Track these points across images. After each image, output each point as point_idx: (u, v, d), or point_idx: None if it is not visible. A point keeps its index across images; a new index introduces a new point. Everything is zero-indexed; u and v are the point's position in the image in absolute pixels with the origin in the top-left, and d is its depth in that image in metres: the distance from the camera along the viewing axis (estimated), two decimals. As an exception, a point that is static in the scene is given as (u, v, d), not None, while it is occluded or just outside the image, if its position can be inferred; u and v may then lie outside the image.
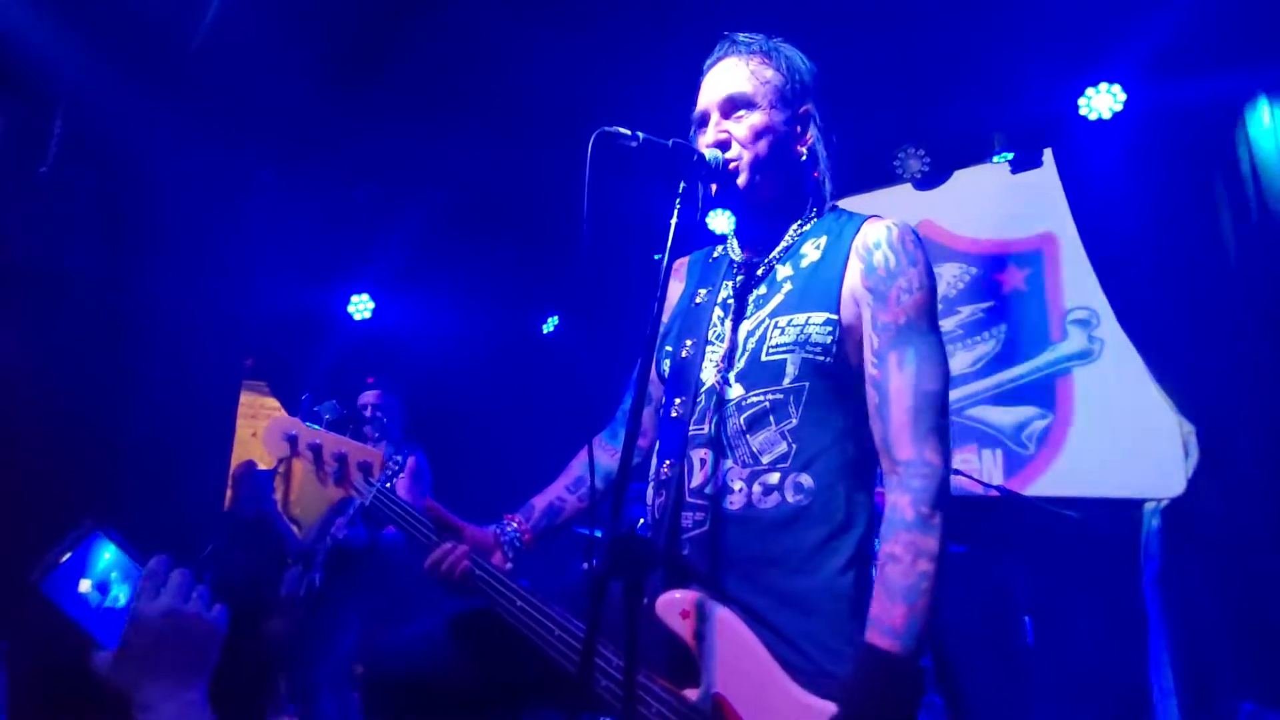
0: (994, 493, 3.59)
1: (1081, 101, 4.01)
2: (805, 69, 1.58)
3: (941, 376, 1.38)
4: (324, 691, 3.46)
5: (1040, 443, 3.98)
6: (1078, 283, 4.06)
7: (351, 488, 1.65)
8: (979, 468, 3.98)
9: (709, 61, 1.60)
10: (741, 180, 1.50)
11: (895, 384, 1.36)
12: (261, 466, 4.44)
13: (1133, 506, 3.80)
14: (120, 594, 1.06)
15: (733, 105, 1.53)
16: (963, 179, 4.59)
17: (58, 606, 1.01)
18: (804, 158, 1.55)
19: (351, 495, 1.64)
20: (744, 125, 1.51)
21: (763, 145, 1.50)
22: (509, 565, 1.59)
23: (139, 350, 4.10)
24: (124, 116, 3.78)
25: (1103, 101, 3.97)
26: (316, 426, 1.68)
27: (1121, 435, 3.91)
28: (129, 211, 4.10)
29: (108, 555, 1.08)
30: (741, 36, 1.59)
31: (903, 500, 1.31)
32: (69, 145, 3.75)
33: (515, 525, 1.65)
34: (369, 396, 3.84)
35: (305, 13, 3.68)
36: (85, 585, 1.04)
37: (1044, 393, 4.01)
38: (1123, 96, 3.94)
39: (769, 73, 1.55)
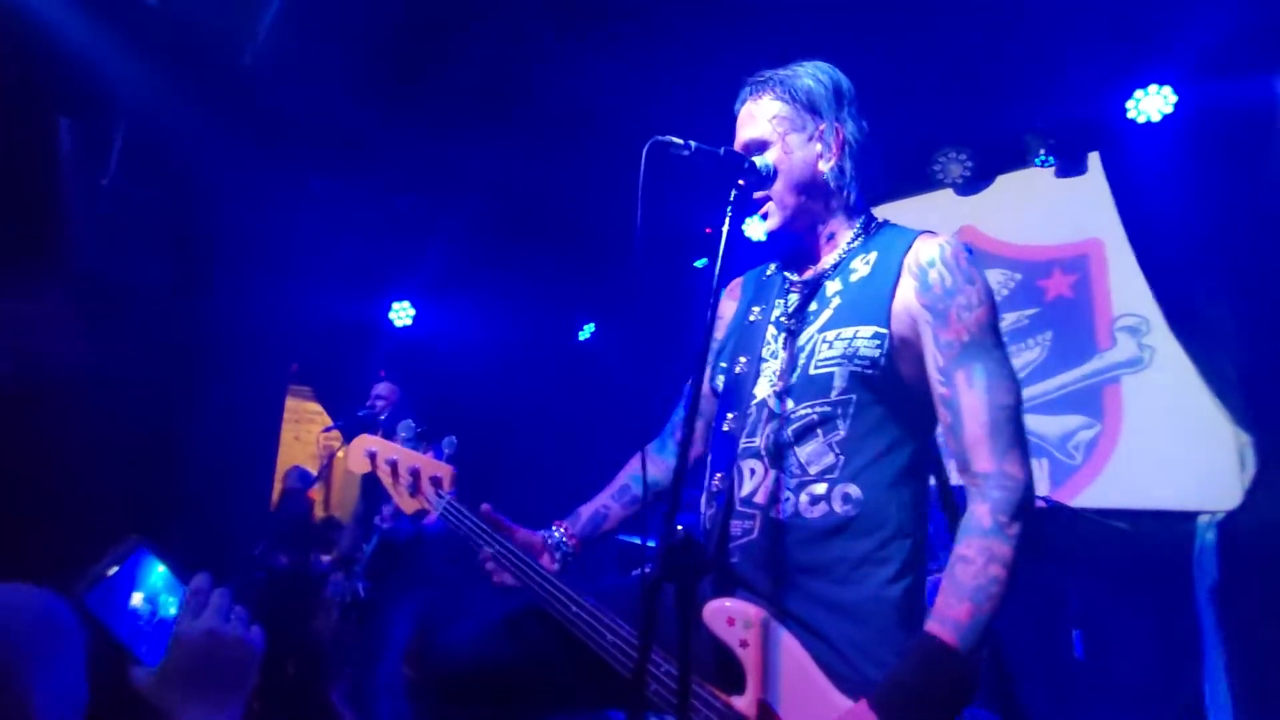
0: (1041, 504, 3.51)
1: (1130, 104, 3.92)
2: (821, 87, 1.57)
3: (1014, 390, 1.38)
4: (382, 695, 3.51)
5: (1087, 453, 3.87)
6: (1126, 289, 3.94)
7: (425, 500, 1.74)
8: (1026, 476, 3.90)
9: (735, 107, 1.64)
10: (771, 225, 1.56)
11: (967, 401, 1.36)
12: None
13: (1186, 519, 3.69)
14: (171, 608, 1.05)
15: (751, 151, 1.57)
16: (1006, 183, 4.51)
17: (100, 620, 1.01)
18: (826, 175, 1.56)
19: (425, 508, 1.71)
20: (761, 163, 1.54)
21: (782, 181, 1.54)
22: (556, 567, 1.65)
23: (194, 356, 4.24)
24: (182, 130, 3.92)
25: (1152, 104, 3.89)
26: (394, 444, 1.79)
27: (1174, 446, 3.79)
28: (187, 222, 4.25)
29: (160, 569, 1.08)
30: (756, 76, 1.61)
31: (981, 509, 1.31)
32: (131, 158, 3.90)
33: (562, 531, 1.71)
34: (381, 388, 3.93)
35: (353, 28, 3.78)
36: (137, 598, 1.04)
37: (1091, 401, 3.91)
38: (1173, 98, 3.85)
39: (776, 106, 1.56)
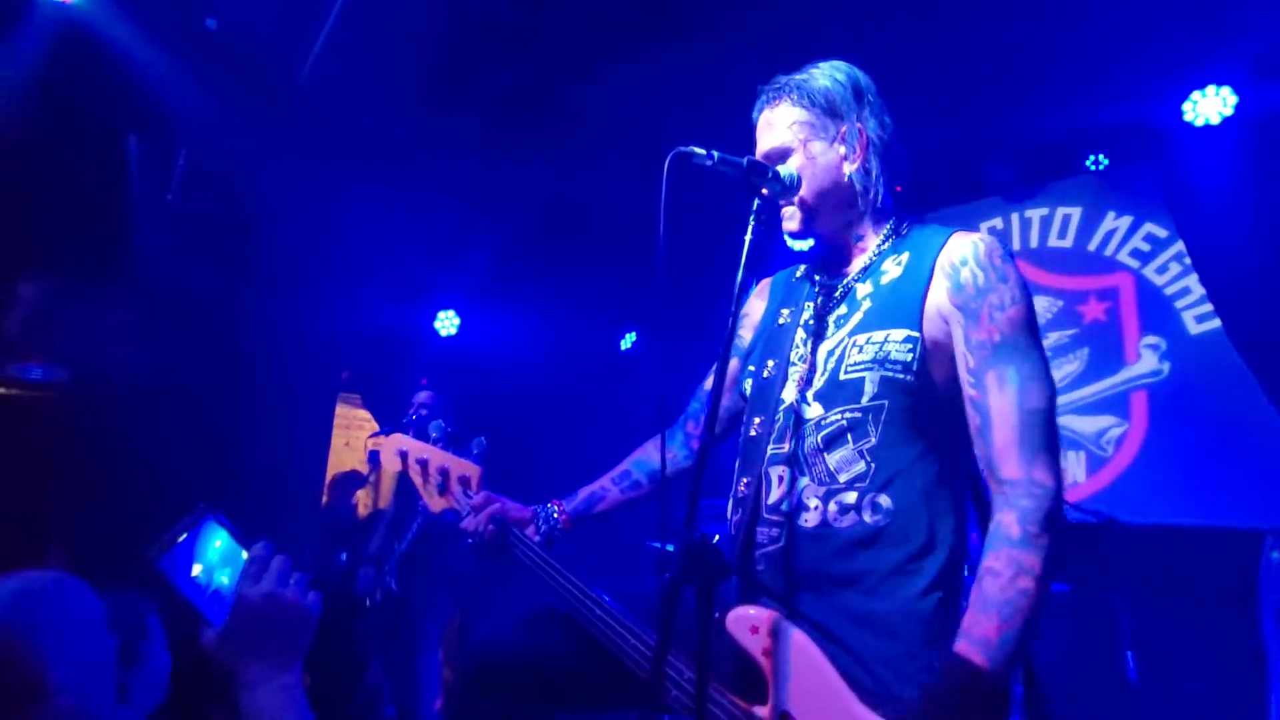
0: (1091, 519, 3.41)
1: (1187, 106, 3.79)
2: (840, 87, 1.52)
3: (1046, 393, 1.31)
4: (422, 689, 3.57)
5: (1117, 446, 4.36)
6: (1149, 314, 4.35)
7: (453, 499, 1.79)
8: (1065, 467, 4.41)
9: (753, 115, 1.61)
10: (793, 228, 1.53)
11: (997, 404, 1.31)
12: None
13: (1251, 537, 3.53)
14: (225, 583, 1.11)
15: (772, 160, 1.53)
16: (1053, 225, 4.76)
17: (172, 583, 1.06)
18: (851, 177, 1.51)
19: (454, 507, 1.76)
20: (785, 172, 1.51)
21: (806, 187, 1.50)
22: (537, 538, 1.70)
23: (250, 364, 4.41)
24: (239, 147, 4.11)
25: (1210, 106, 3.75)
26: (425, 443, 1.85)
27: (1231, 459, 3.85)
28: (244, 235, 4.43)
29: (218, 543, 1.13)
30: (771, 83, 1.57)
31: (1008, 518, 1.26)
32: (192, 174, 4.09)
33: (556, 508, 1.77)
34: (422, 396, 4.01)
35: (400, 47, 3.91)
36: (196, 570, 1.09)
37: (1120, 405, 4.36)
38: (1233, 100, 3.70)
39: (796, 111, 1.52)
